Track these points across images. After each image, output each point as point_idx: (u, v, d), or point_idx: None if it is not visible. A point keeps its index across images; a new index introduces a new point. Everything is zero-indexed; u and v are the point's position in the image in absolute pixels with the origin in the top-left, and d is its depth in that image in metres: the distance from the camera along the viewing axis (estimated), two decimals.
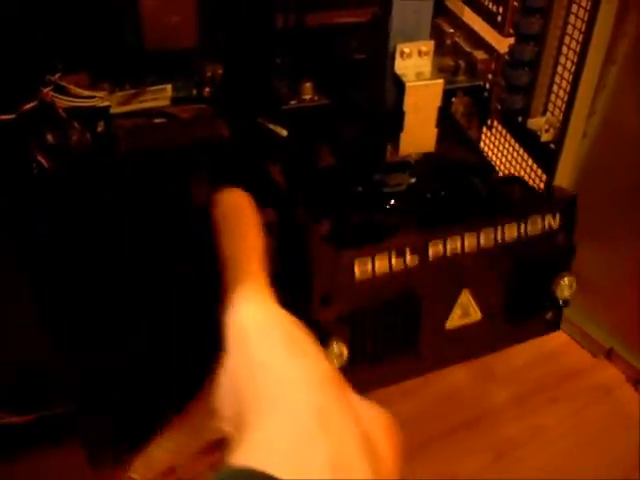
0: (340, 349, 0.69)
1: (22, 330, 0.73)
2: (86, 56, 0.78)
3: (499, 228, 0.72)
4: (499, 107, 0.82)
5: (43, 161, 0.80)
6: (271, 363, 0.42)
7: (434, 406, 0.86)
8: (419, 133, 0.69)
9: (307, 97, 0.75)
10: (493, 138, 0.91)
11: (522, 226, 0.73)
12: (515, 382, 0.89)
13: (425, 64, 0.68)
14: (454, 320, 0.75)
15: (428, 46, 0.67)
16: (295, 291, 0.66)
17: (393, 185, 0.76)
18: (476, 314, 0.76)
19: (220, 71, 0.84)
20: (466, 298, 0.75)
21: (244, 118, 0.81)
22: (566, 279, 0.77)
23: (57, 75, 0.72)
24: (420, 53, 0.67)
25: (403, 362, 0.77)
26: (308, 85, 0.75)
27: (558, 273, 0.77)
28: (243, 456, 0.37)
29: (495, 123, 0.88)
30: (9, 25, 0.69)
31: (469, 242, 0.72)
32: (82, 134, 0.82)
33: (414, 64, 0.67)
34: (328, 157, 0.80)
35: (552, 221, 0.75)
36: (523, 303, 0.78)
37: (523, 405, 0.87)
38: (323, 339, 0.68)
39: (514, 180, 0.85)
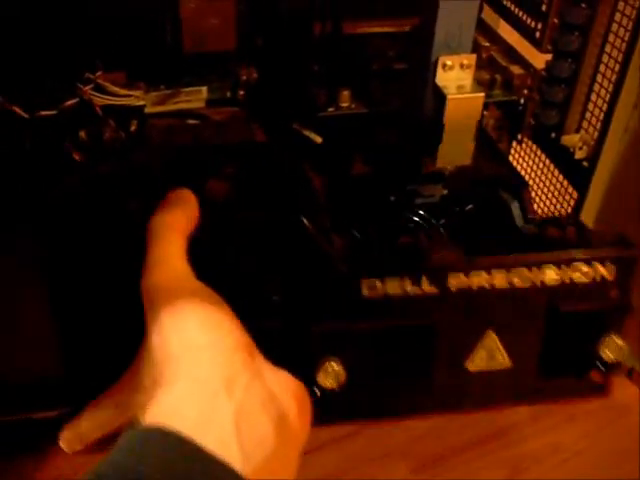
0: (335, 368, 0.65)
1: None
2: (124, 56, 0.78)
3: (535, 268, 0.64)
4: (532, 122, 0.82)
5: (77, 157, 0.81)
6: (181, 329, 0.43)
7: (451, 420, 0.86)
8: (457, 146, 0.69)
9: (345, 105, 0.75)
10: (523, 153, 0.92)
11: (564, 270, 0.64)
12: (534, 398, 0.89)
13: (466, 77, 0.68)
14: (477, 362, 0.70)
15: (470, 59, 0.67)
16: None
17: (426, 196, 0.76)
18: (504, 360, 0.70)
19: (255, 75, 0.84)
20: (492, 340, 0.68)
21: (279, 123, 0.81)
22: (615, 340, 0.67)
23: (98, 73, 0.73)
24: (462, 66, 0.67)
25: (414, 397, 0.75)
26: (346, 93, 0.75)
27: (606, 332, 0.67)
28: (151, 416, 0.39)
29: (525, 139, 0.88)
30: (52, 24, 0.70)
31: (498, 279, 0.65)
32: (116, 132, 0.83)
33: (455, 77, 0.67)
34: (362, 166, 0.80)
35: (604, 271, 0.65)
36: (561, 359, 0.71)
37: (541, 422, 0.87)
38: (318, 354, 0.65)
39: (560, 221, 0.81)
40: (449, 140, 0.68)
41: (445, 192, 0.76)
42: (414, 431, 0.85)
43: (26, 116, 0.65)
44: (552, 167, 0.86)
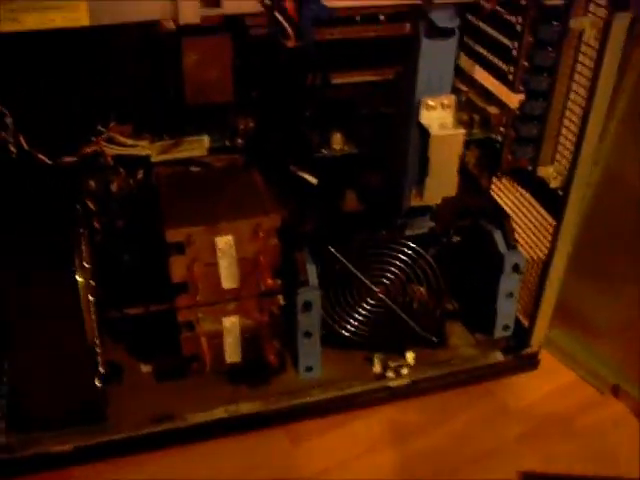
0: None
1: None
2: (132, 109, 0.85)
3: None
4: (510, 157, 0.89)
5: (90, 204, 0.86)
6: None
7: (453, 440, 0.91)
8: (442, 179, 0.76)
9: (337, 147, 0.82)
10: (502, 187, 0.98)
11: None
12: (528, 417, 0.94)
13: (447, 116, 0.75)
14: None
15: (450, 100, 0.74)
16: None
17: (415, 228, 0.82)
18: None
19: (252, 124, 0.91)
20: None
21: (276, 166, 0.87)
22: None
23: (112, 124, 0.79)
24: (443, 106, 0.74)
25: None
26: (338, 136, 0.82)
27: None
28: None
29: (503, 173, 0.95)
30: (70, 81, 0.77)
31: None
32: (125, 180, 0.89)
33: (438, 116, 0.74)
34: (354, 202, 0.86)
35: None
36: None
37: (536, 439, 0.91)
38: None
39: None
40: (435, 174, 0.75)
41: (433, 224, 0.82)
42: (416, 450, 0.90)
43: (50, 162, 0.71)
44: (529, 197, 0.93)
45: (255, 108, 0.90)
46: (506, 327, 0.93)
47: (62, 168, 0.74)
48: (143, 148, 0.87)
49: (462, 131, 0.74)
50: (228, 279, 0.83)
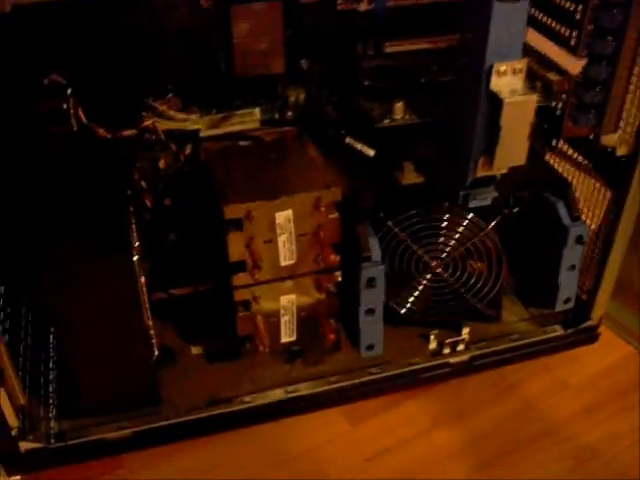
0: None
1: None
2: (180, 82, 0.82)
3: None
4: (570, 125, 0.86)
5: (141, 181, 0.84)
6: None
7: (512, 417, 0.89)
8: (513, 147, 0.73)
9: (399, 117, 0.79)
10: (559, 157, 0.95)
11: None
12: (587, 392, 0.92)
13: (518, 81, 0.72)
14: None
15: (522, 64, 0.71)
16: None
17: (479, 199, 0.79)
18: None
19: (303, 95, 0.88)
20: None
21: (330, 139, 0.84)
22: None
23: (169, 96, 0.76)
24: (515, 71, 0.71)
25: None
26: (400, 105, 0.78)
27: None
28: None
29: (560, 142, 0.92)
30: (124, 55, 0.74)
31: None
32: (174, 156, 0.86)
33: (508, 82, 0.71)
34: (412, 174, 0.83)
35: None
36: None
37: (597, 413, 0.89)
38: None
39: None
40: (505, 142, 0.72)
41: (496, 194, 0.79)
42: (477, 428, 0.88)
43: (109, 136, 0.68)
44: (588, 168, 0.90)
45: (307, 79, 0.87)
46: (567, 300, 0.90)
47: (119, 143, 0.71)
48: (193, 122, 0.84)
49: (535, 97, 0.71)
50: (286, 256, 0.80)
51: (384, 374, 0.87)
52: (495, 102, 0.71)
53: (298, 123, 0.88)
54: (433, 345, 0.93)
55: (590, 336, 0.94)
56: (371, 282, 0.78)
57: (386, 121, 0.78)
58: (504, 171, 0.77)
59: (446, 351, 0.92)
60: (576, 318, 0.94)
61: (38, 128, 0.60)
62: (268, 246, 0.79)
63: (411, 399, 0.91)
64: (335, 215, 0.79)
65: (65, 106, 0.61)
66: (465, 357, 0.90)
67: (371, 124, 0.79)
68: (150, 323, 0.82)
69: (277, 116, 0.88)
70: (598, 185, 0.90)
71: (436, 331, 0.92)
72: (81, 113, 0.64)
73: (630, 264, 0.95)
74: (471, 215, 0.84)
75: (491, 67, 0.70)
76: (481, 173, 0.76)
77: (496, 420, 0.90)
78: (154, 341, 0.83)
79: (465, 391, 0.92)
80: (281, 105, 0.88)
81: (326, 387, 0.86)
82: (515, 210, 0.87)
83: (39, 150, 0.62)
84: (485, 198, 0.80)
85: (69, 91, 0.62)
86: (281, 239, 0.79)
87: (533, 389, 0.93)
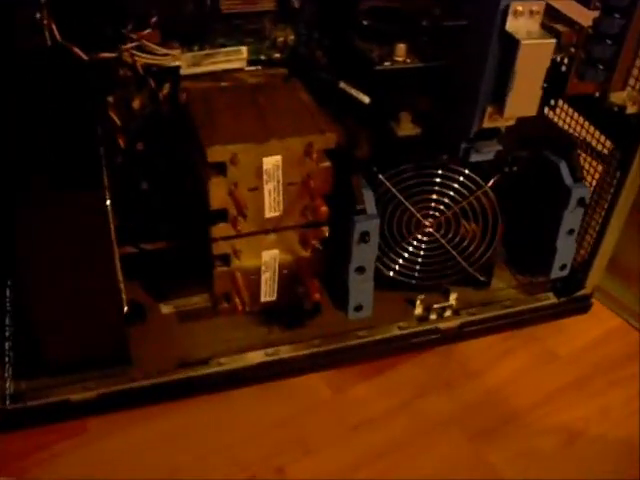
0: None
1: None
2: (160, 13, 0.74)
3: None
4: (576, 81, 0.81)
5: (115, 118, 0.76)
6: None
7: (502, 387, 0.84)
8: (526, 94, 0.68)
9: (400, 59, 0.73)
10: (561, 114, 0.90)
11: None
12: (578, 363, 0.88)
13: (535, 24, 0.66)
14: None
15: (540, 6, 0.66)
16: None
17: (483, 152, 0.74)
18: None
19: (292, 36, 0.81)
20: None
21: (322, 82, 0.78)
22: None
23: (147, 31, 0.68)
24: (532, 13, 0.65)
25: None
26: (402, 46, 0.72)
27: None
28: None
29: (565, 99, 0.88)
30: None
31: None
32: (151, 94, 0.78)
33: (524, 23, 0.66)
34: (409, 125, 0.77)
35: None
36: None
37: (588, 387, 0.86)
38: None
39: None
40: (519, 88, 0.66)
41: (500, 148, 0.74)
42: (467, 400, 0.83)
43: (85, 58, 0.60)
44: (590, 128, 0.85)
45: (298, 18, 0.80)
46: (563, 267, 0.86)
47: (95, 67, 0.63)
48: (174, 58, 0.77)
49: (553, 41, 0.66)
50: (272, 207, 0.74)
51: (371, 338, 0.81)
52: (510, 44, 0.65)
53: (287, 65, 0.81)
54: (419, 310, 0.88)
55: (583, 305, 0.91)
56: (364, 237, 0.72)
57: (387, 63, 0.72)
58: (512, 122, 0.72)
59: (433, 317, 0.87)
60: (568, 286, 0.90)
61: (6, 38, 0.52)
62: (253, 194, 0.72)
63: (396, 366, 0.86)
64: (327, 163, 0.73)
65: (39, 15, 0.53)
66: (455, 323, 0.85)
67: (370, 66, 0.72)
68: (120, 276, 0.74)
69: (263, 57, 0.82)
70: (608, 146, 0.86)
71: (422, 296, 0.87)
72: (55, 29, 0.56)
73: (623, 234, 0.91)
74: (469, 171, 0.79)
75: (507, 7, 0.65)
76: (488, 124, 0.71)
77: (485, 390, 0.85)
78: (124, 296, 0.76)
79: (452, 359, 0.88)
80: (269, 45, 0.81)
81: (308, 350, 0.80)
82: (513, 169, 0.82)
83: (6, 64, 0.54)
84: (488, 152, 0.75)
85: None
86: (267, 187, 0.73)
87: (522, 359, 0.89)
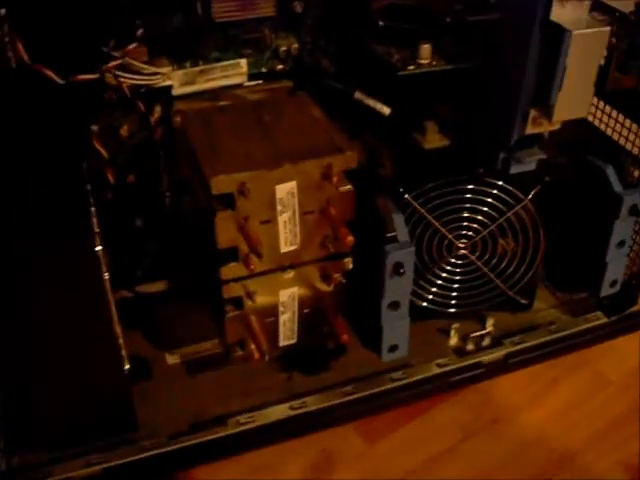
0: None
1: None
2: (148, 26, 0.65)
3: None
4: (617, 75, 0.72)
5: (102, 150, 0.66)
6: None
7: (555, 421, 0.75)
8: (577, 94, 0.59)
9: (425, 61, 0.63)
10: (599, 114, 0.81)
11: None
12: (632, 390, 0.79)
13: (583, 12, 0.57)
14: None
15: None
16: None
17: (524, 162, 0.65)
18: None
19: (296, 45, 0.72)
20: None
21: (335, 94, 0.69)
22: None
23: (132, 46, 0.59)
24: None
25: None
26: (426, 47, 0.63)
27: None
28: None
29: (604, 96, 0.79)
30: None
31: None
32: (140, 119, 0.69)
33: (573, 11, 0.57)
34: (436, 136, 0.68)
35: None
36: None
37: None
38: None
39: None
40: (570, 87, 0.57)
41: (544, 156, 0.65)
42: (513, 440, 0.74)
43: (60, 81, 0.51)
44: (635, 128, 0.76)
45: (300, 23, 0.71)
46: (614, 283, 0.77)
47: (73, 92, 0.53)
48: (164, 77, 0.67)
49: (607, 28, 0.57)
50: (288, 240, 0.64)
51: (408, 380, 0.72)
52: (557, 36, 0.56)
53: (292, 77, 0.72)
54: (454, 340, 0.78)
55: (634, 323, 0.81)
56: (398, 268, 0.63)
57: (411, 67, 0.63)
58: (557, 126, 0.63)
59: (470, 347, 0.78)
60: (619, 303, 0.81)
61: None
62: (266, 228, 0.63)
63: (434, 407, 0.76)
64: (349, 186, 0.64)
65: None
66: (499, 355, 0.76)
67: (392, 72, 0.63)
68: (118, 329, 0.65)
69: (264, 69, 0.72)
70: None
71: (457, 324, 0.78)
72: (21, 47, 0.47)
73: None
74: (506, 184, 0.70)
75: None
76: (532, 130, 0.62)
77: (536, 426, 0.76)
78: (124, 351, 0.66)
79: (496, 393, 0.78)
80: (270, 56, 0.72)
81: (339, 400, 0.70)
82: (553, 178, 0.73)
83: None
84: (531, 162, 0.66)
85: (1, 12, 0.44)
86: (282, 219, 0.63)
87: (573, 387, 0.80)
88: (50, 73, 0.50)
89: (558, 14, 0.56)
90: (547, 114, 0.59)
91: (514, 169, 0.65)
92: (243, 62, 0.70)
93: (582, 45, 0.56)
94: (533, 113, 0.61)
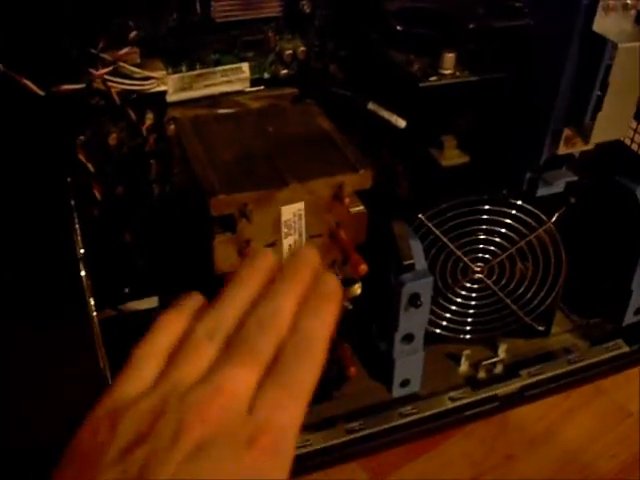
0: None
1: None
2: (139, 26, 0.58)
3: None
4: None
5: (88, 164, 0.60)
6: None
7: (573, 456, 0.70)
8: (618, 113, 0.53)
9: (448, 72, 0.57)
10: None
11: None
12: None
13: (628, 21, 0.52)
14: None
15: None
16: None
17: (555, 184, 0.59)
18: None
19: (302, 47, 0.66)
20: None
21: (345, 104, 0.63)
22: None
23: (124, 50, 0.52)
24: (625, 7, 0.51)
25: None
26: (450, 56, 0.57)
27: None
28: None
29: None
30: None
31: None
32: (131, 128, 0.62)
33: (617, 21, 0.51)
34: (456, 152, 0.62)
35: None
36: None
37: None
38: None
39: None
40: (612, 105, 0.52)
41: (575, 178, 0.60)
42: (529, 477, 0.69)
43: (41, 93, 0.44)
44: None
45: (307, 24, 0.65)
46: (638, 310, 0.72)
47: (55, 104, 0.47)
48: (158, 82, 0.61)
49: None
50: None
51: (419, 415, 0.66)
52: (601, 48, 0.51)
53: (297, 83, 0.66)
54: (465, 367, 0.73)
55: None
56: (415, 300, 0.57)
57: (433, 78, 0.57)
58: (591, 147, 0.57)
59: (481, 375, 0.73)
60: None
61: None
62: None
63: (445, 441, 0.71)
64: (360, 208, 0.58)
65: None
66: (515, 387, 0.70)
67: (412, 82, 0.57)
68: (106, 363, 0.58)
69: (267, 74, 0.66)
70: None
71: (467, 350, 0.73)
72: None
73: None
74: (527, 205, 0.64)
75: (595, 0, 0.50)
76: (564, 150, 0.56)
77: (553, 461, 0.71)
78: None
79: (510, 426, 0.73)
80: (274, 60, 0.66)
81: (345, 437, 0.64)
82: (578, 199, 0.67)
83: None
84: (559, 184, 0.60)
85: None
86: (287, 242, 0.57)
87: (590, 419, 0.75)
88: (29, 83, 0.43)
89: (601, 24, 0.51)
90: (583, 134, 0.54)
91: (541, 191, 0.60)
92: (245, 66, 0.63)
93: (628, 60, 0.50)
94: (567, 132, 0.55)
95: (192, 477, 0.27)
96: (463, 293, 0.69)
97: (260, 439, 0.28)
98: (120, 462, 0.27)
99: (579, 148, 0.56)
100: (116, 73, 0.57)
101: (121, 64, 0.57)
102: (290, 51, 0.66)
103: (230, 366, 0.30)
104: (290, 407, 0.30)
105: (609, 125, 0.53)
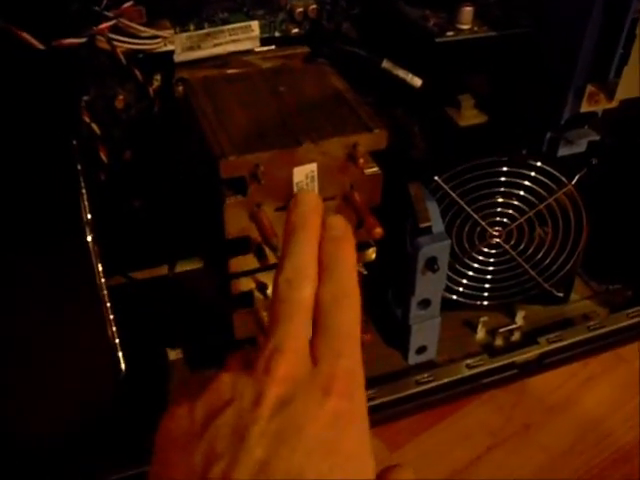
0: None
1: None
2: None
3: None
4: None
5: (93, 126, 0.58)
6: None
7: (593, 425, 0.69)
8: None
9: (466, 27, 0.55)
10: None
11: None
12: None
13: None
14: None
15: None
16: None
17: (574, 143, 0.57)
18: None
19: (313, 5, 0.64)
20: None
21: (358, 62, 0.61)
22: None
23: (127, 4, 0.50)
24: None
25: None
26: (468, 10, 0.55)
27: None
28: None
29: None
30: None
31: None
32: (139, 89, 0.61)
33: None
34: (474, 112, 0.60)
35: None
36: None
37: None
38: None
39: None
40: (639, 58, 0.49)
41: (597, 137, 0.57)
42: (548, 447, 0.67)
43: (41, 46, 0.42)
44: None
45: None
46: None
47: (57, 59, 0.45)
48: (165, 41, 0.59)
49: None
50: None
51: (436, 383, 0.65)
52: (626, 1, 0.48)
53: (309, 42, 0.64)
54: (482, 335, 0.72)
55: None
56: (432, 264, 0.56)
57: (449, 34, 0.55)
58: (615, 104, 0.55)
59: (498, 342, 0.71)
60: None
61: None
62: (281, 215, 0.55)
63: (462, 409, 0.69)
64: (376, 169, 0.56)
65: None
66: (533, 355, 0.69)
67: (428, 38, 0.55)
68: (114, 328, 0.57)
69: (278, 33, 0.64)
70: None
71: (485, 317, 0.71)
72: None
73: None
74: (547, 166, 0.62)
75: None
76: (586, 108, 0.54)
77: (571, 430, 0.69)
78: (120, 353, 0.59)
79: (528, 394, 0.72)
80: (285, 18, 0.64)
81: None
82: (600, 161, 0.65)
83: None
84: (581, 143, 0.58)
85: None
86: None
87: (610, 387, 0.73)
88: (28, 37, 0.41)
89: None
90: (607, 91, 0.52)
91: (563, 151, 0.58)
92: (254, 24, 0.61)
93: None
94: (590, 89, 0.53)
95: (284, 426, 0.28)
96: (480, 258, 0.67)
97: (334, 386, 0.30)
98: (207, 428, 0.29)
99: (602, 106, 0.54)
100: (122, 32, 0.55)
101: (126, 22, 0.55)
102: (301, 9, 0.63)
103: (279, 325, 0.31)
104: (347, 351, 0.31)
105: (635, 81, 0.51)
